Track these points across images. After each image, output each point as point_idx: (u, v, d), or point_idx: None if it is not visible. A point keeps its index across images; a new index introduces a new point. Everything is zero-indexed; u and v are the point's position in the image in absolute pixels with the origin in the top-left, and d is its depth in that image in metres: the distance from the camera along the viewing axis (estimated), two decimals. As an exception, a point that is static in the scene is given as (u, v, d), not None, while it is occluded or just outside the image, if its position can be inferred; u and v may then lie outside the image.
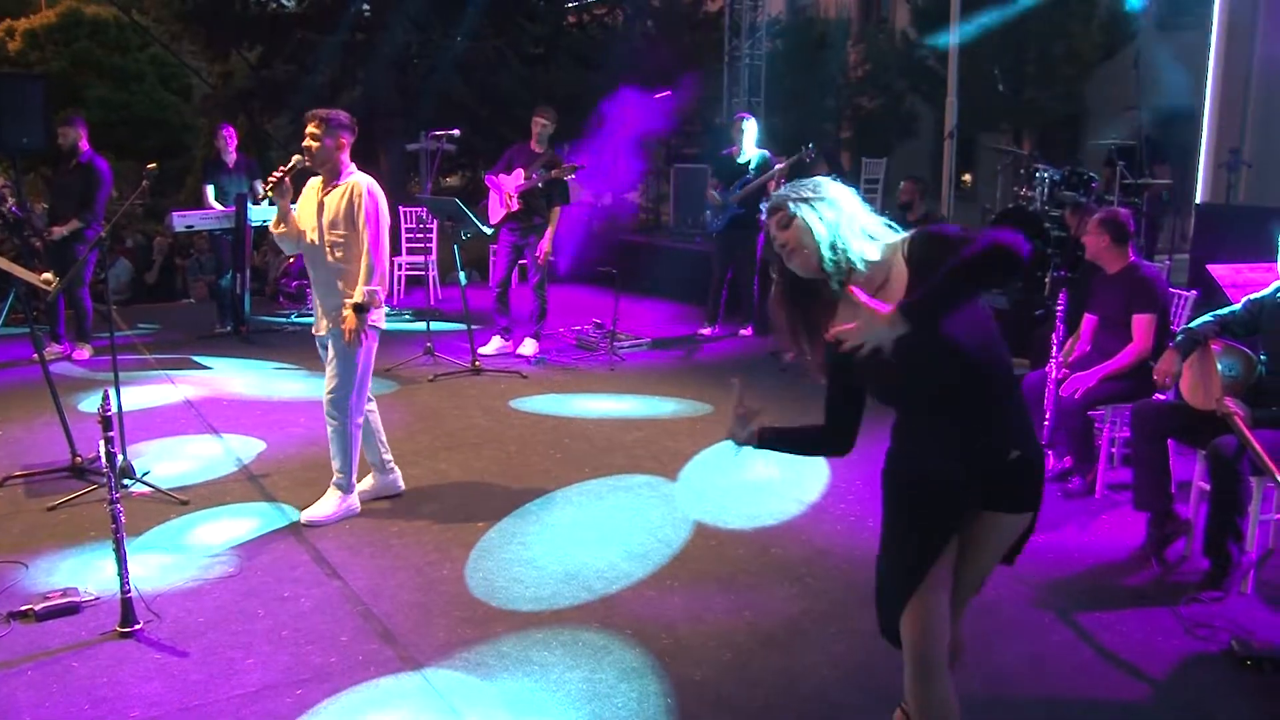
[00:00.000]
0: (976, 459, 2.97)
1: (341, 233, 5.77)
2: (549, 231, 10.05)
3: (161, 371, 9.88)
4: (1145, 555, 5.51)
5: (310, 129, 5.77)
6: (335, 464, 6.04)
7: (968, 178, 29.90)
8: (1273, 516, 5.15)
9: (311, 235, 5.86)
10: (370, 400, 6.16)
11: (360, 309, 5.69)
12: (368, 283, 5.69)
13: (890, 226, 3.07)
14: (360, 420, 6.06)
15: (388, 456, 6.37)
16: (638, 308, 13.20)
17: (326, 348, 5.94)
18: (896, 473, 3.14)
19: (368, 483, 6.30)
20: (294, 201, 5.99)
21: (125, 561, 4.47)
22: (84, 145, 10.25)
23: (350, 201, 5.75)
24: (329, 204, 5.81)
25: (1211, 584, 4.98)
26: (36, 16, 26.87)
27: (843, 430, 3.19)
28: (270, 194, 5.81)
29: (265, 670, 4.23)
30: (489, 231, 9.78)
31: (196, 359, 10.49)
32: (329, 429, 5.98)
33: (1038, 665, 4.32)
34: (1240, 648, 4.32)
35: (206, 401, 8.81)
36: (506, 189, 10.06)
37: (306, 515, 5.97)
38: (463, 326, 10.16)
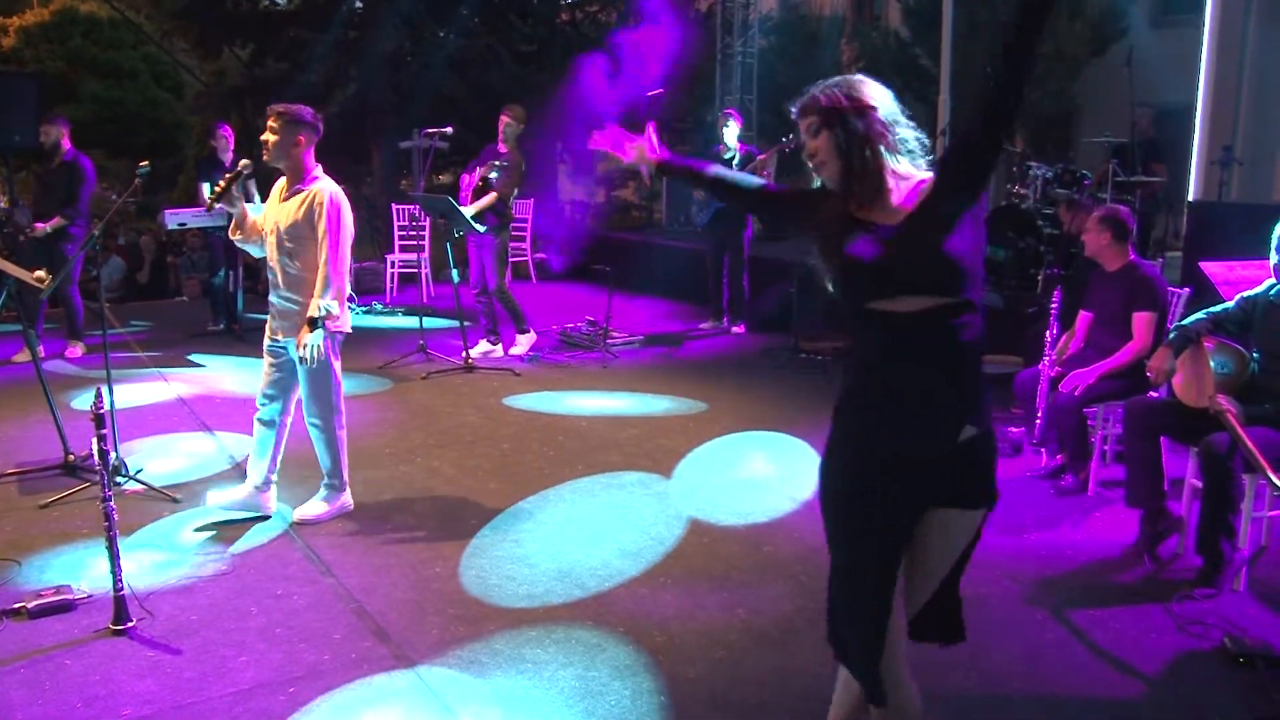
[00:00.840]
0: (937, 427, 2.68)
1: (298, 239, 5.58)
2: (480, 201, 9.83)
3: (154, 369, 9.86)
4: (1138, 552, 5.52)
5: (269, 123, 5.60)
6: (324, 467, 6.02)
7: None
8: (1265, 513, 5.17)
9: (270, 239, 5.74)
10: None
11: (314, 324, 5.51)
12: (322, 296, 5.48)
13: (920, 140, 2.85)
14: (343, 421, 5.98)
15: (274, 477, 6.07)
16: (631, 305, 13.19)
17: (276, 354, 5.84)
18: (850, 446, 2.82)
19: (241, 491, 6.02)
20: (264, 201, 5.85)
21: (118, 559, 4.46)
22: (66, 144, 10.25)
23: (311, 209, 5.52)
24: (288, 210, 5.60)
25: (1204, 581, 5.00)
26: (30, 14, 26.77)
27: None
28: (216, 200, 5.57)
29: (258, 668, 4.22)
30: (481, 229, 9.77)
31: (189, 357, 10.47)
32: (312, 434, 5.95)
33: (1031, 663, 4.33)
34: (1233, 645, 4.34)
35: (199, 399, 8.79)
36: (465, 189, 10.05)
37: (298, 514, 5.95)
38: (456, 323, 10.15)
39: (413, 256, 12.98)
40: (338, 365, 5.85)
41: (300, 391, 5.86)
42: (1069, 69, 20.23)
